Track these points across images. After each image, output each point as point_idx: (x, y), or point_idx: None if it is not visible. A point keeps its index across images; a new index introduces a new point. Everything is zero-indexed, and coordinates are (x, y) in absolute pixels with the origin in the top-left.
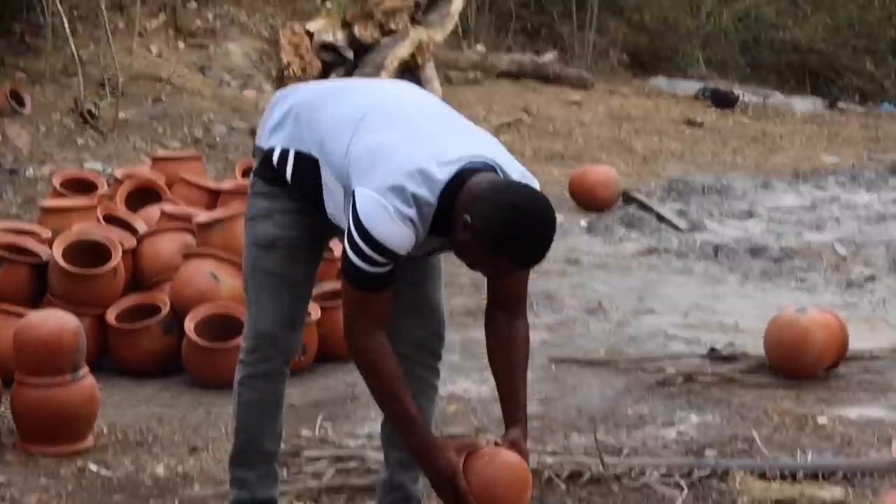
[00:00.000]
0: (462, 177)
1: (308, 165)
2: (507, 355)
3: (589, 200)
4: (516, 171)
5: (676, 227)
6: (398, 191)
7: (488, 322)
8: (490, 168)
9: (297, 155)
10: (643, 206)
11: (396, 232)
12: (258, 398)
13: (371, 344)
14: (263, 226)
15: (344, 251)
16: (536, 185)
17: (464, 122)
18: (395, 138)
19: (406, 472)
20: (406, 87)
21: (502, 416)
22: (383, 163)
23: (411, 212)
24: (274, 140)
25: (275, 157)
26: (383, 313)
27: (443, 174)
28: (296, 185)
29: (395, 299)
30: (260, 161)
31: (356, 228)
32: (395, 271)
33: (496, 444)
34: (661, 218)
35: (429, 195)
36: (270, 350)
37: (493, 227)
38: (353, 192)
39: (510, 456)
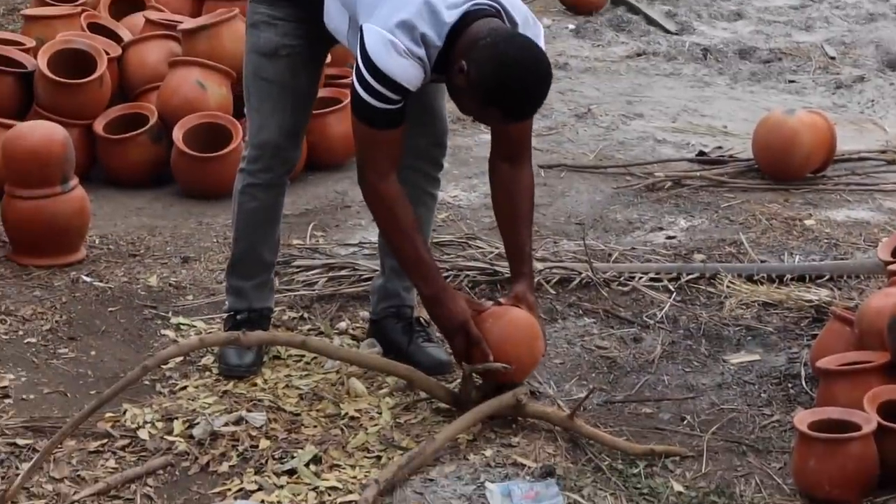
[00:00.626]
0: (466, 19)
1: None
2: (512, 207)
3: (577, 3)
4: (521, 14)
5: (665, 30)
6: (408, 28)
7: (492, 172)
8: (495, 12)
9: None
10: (632, 8)
11: (406, 67)
12: (258, 207)
13: (385, 189)
14: (266, 33)
15: (353, 89)
16: (540, 29)
17: None
18: None
19: (401, 279)
20: None
21: (509, 269)
22: None
23: (420, 51)
24: None
25: None
26: (395, 153)
27: (450, 16)
28: None
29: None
30: None
31: (365, 64)
32: (405, 110)
33: (500, 303)
34: (649, 20)
35: (436, 37)
36: (272, 160)
37: (486, 78)
38: (361, 27)
39: (518, 314)
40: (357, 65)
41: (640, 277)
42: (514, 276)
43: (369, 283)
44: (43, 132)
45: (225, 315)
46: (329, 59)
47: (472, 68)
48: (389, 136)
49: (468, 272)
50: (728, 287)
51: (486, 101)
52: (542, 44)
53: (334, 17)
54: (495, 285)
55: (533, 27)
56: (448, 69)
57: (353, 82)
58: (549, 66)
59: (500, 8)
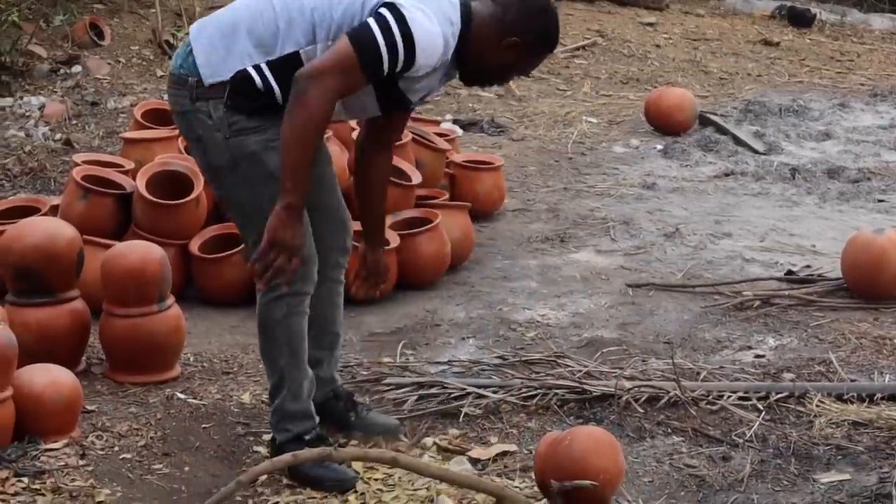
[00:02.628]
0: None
1: (289, 66)
2: (380, 185)
3: (665, 124)
4: None
5: (753, 150)
6: (442, 10)
7: (364, 153)
8: None
9: (272, 64)
10: (719, 129)
11: (435, 37)
12: (304, 321)
13: (325, 101)
14: (272, 156)
15: (365, 22)
16: None
17: None
18: None
19: (332, 367)
20: None
21: (367, 235)
22: None
23: (451, 29)
24: (234, 65)
25: (256, 80)
26: (351, 91)
27: (457, 18)
28: (285, 94)
29: (324, 214)
30: (229, 94)
31: (393, 15)
32: (393, 94)
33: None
34: (737, 140)
35: (458, 19)
36: (314, 271)
37: (543, 34)
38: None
39: (594, 430)
40: (381, 12)
41: (729, 396)
42: (376, 242)
43: (459, 401)
44: (141, 252)
45: (283, 444)
46: (419, 179)
47: (526, 36)
48: (360, 77)
49: (557, 390)
50: (817, 406)
51: (543, 50)
52: None
53: (361, 103)
54: (584, 403)
55: None
56: (479, 58)
57: (369, 21)
58: None
59: None
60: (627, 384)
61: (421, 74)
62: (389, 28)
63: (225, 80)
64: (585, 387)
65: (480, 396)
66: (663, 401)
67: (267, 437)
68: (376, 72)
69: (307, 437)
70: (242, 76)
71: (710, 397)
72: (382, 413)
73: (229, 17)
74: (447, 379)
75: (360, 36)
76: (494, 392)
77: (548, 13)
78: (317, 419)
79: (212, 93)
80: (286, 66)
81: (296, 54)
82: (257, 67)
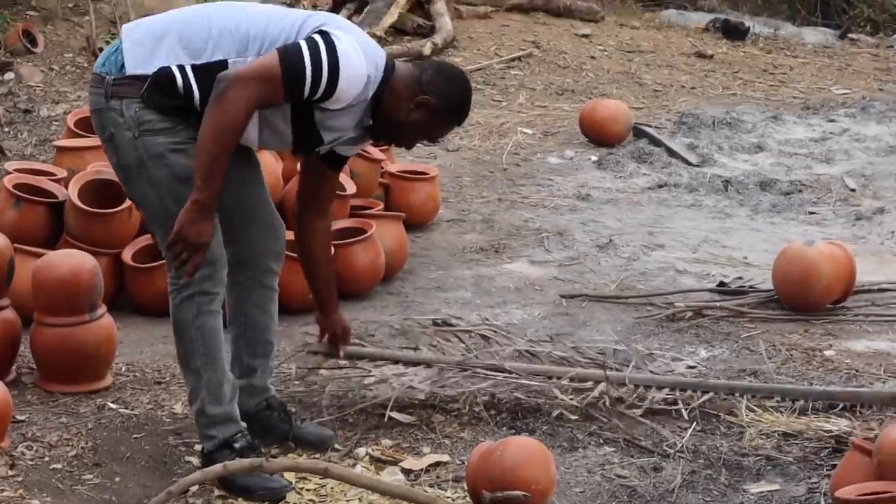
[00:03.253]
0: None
1: (213, 73)
2: (325, 254)
3: (599, 135)
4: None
5: (687, 162)
6: (370, 53)
7: (304, 225)
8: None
9: (197, 67)
10: (653, 141)
11: (359, 75)
12: (218, 322)
13: (244, 105)
14: (178, 158)
15: (296, 42)
16: None
17: None
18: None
19: (266, 375)
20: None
21: (318, 302)
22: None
23: (374, 72)
24: (159, 62)
25: (178, 79)
26: (269, 103)
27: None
28: (203, 101)
29: (251, 217)
30: (148, 88)
31: (324, 41)
32: (308, 128)
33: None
34: (671, 152)
35: (381, 70)
36: (223, 272)
37: (454, 100)
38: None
39: (525, 440)
40: (313, 38)
41: (655, 395)
42: (327, 309)
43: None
44: (73, 261)
45: (212, 452)
46: (354, 189)
47: (434, 97)
48: (276, 95)
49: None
50: (748, 416)
51: (451, 118)
52: None
53: (277, 131)
54: (517, 413)
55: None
56: (390, 112)
57: (301, 41)
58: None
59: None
60: (558, 393)
61: (337, 108)
62: (318, 52)
63: (146, 75)
64: (518, 396)
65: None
66: (591, 395)
67: (199, 447)
68: (296, 90)
69: (236, 445)
70: (165, 74)
71: (636, 396)
72: (315, 424)
73: (162, 20)
74: (378, 386)
75: (288, 51)
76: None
77: (462, 85)
78: (242, 424)
79: (127, 91)
80: (211, 72)
81: (223, 63)
82: (181, 68)
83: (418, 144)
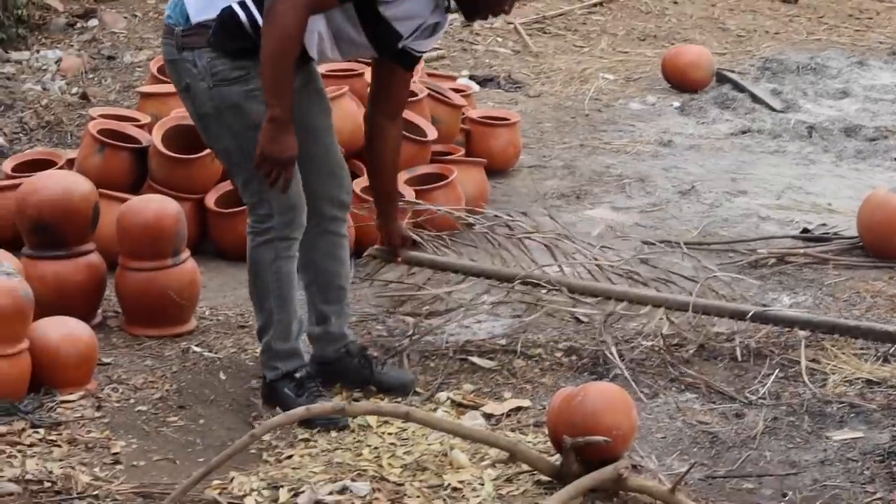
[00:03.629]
0: None
1: None
2: (393, 159)
3: (682, 81)
4: None
5: (770, 107)
6: None
7: (375, 127)
8: None
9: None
10: (737, 86)
11: None
12: (293, 266)
13: (294, 16)
14: (254, 105)
15: None
16: None
17: None
18: None
19: (342, 321)
20: None
21: (378, 207)
22: None
23: None
24: (220, 2)
25: (241, 16)
26: (322, 7)
27: None
28: None
29: (312, 165)
30: (215, 31)
31: None
32: (380, 25)
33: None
34: (754, 98)
35: None
36: (302, 217)
37: None
38: None
39: (607, 386)
40: None
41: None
42: (391, 216)
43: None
44: (156, 206)
45: (274, 381)
46: (435, 135)
47: None
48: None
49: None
50: (832, 363)
51: None
52: None
53: (351, 40)
54: (598, 359)
55: None
56: None
57: None
58: None
59: None
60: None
61: None
62: None
63: (211, 20)
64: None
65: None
66: (685, 348)
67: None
68: None
69: (297, 375)
70: (228, 13)
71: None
72: (396, 368)
73: None
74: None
75: None
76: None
77: None
78: (305, 358)
79: (196, 41)
80: None
81: None
82: (242, 3)
83: (501, 90)
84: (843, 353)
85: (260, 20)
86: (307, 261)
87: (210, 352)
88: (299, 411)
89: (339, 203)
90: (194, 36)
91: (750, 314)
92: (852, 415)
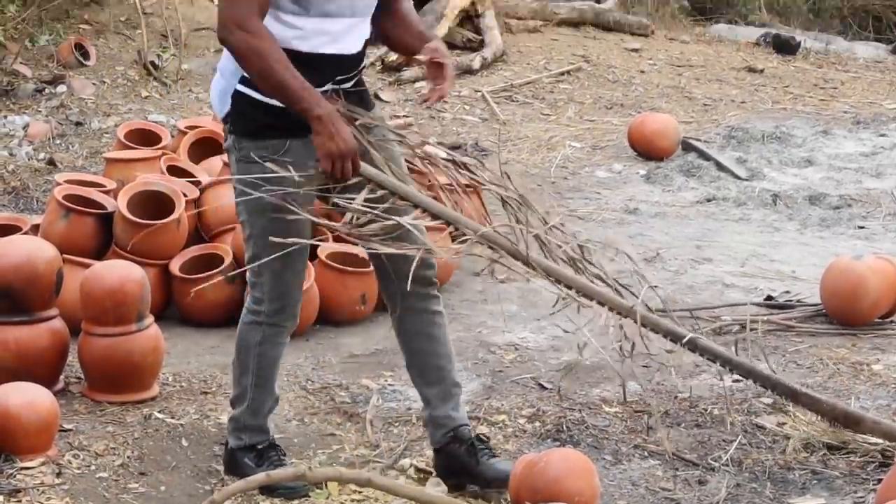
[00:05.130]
0: None
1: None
2: (411, 19)
3: (648, 149)
4: None
5: (736, 176)
6: None
7: (384, 22)
8: None
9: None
10: (702, 155)
11: None
12: (279, 352)
13: (256, 27)
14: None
15: None
16: None
17: None
18: None
19: (445, 402)
20: None
21: (414, 45)
22: None
23: None
24: (229, 87)
25: (249, 92)
26: (263, 5)
27: None
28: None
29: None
30: (231, 116)
31: None
32: None
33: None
34: (720, 166)
35: None
36: (296, 308)
37: None
38: None
39: (567, 451)
40: None
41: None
42: (415, 42)
43: None
44: (120, 272)
45: (235, 450)
46: None
47: None
48: None
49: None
50: (793, 424)
51: None
52: None
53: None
54: (561, 426)
55: None
56: None
57: None
58: None
59: None
60: (609, 409)
61: None
62: None
63: (227, 110)
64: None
65: None
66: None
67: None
68: None
69: (259, 447)
70: (238, 94)
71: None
72: (499, 461)
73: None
74: None
75: None
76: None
77: None
78: (270, 434)
79: (228, 129)
80: None
81: None
82: (244, 81)
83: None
84: (805, 416)
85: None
86: (400, 343)
87: (172, 418)
88: (259, 477)
89: (418, 279)
90: (228, 125)
91: (686, 339)
92: (815, 481)
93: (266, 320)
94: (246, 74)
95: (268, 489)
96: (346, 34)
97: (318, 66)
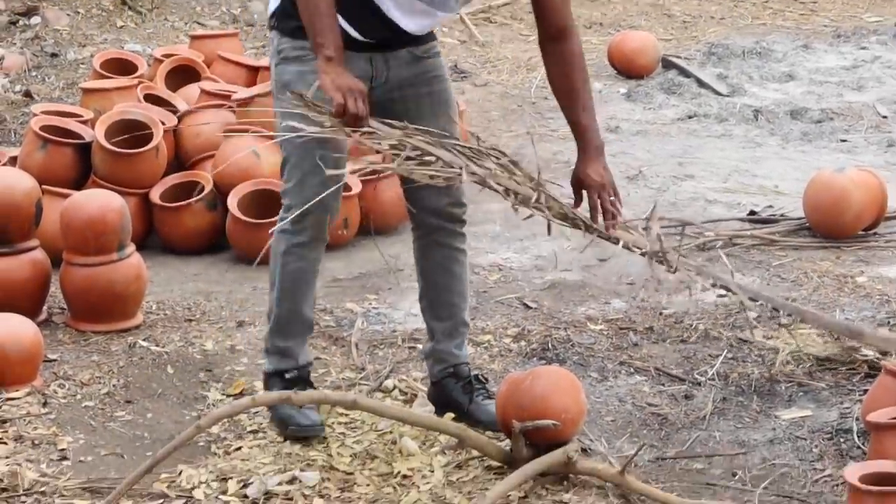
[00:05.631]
0: None
1: None
2: (568, 82)
3: (628, 67)
4: None
5: (716, 92)
6: None
7: (544, 53)
8: None
9: None
10: (683, 72)
11: None
12: (304, 266)
13: None
14: (299, 87)
15: None
16: None
17: None
18: None
19: (450, 339)
20: None
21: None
22: None
23: None
24: None
25: None
26: None
27: None
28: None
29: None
30: (278, 11)
31: None
32: None
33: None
34: (700, 83)
35: None
36: (319, 221)
37: None
38: None
39: (556, 370)
40: None
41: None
42: (579, 152)
43: (419, 343)
44: (100, 201)
45: (268, 374)
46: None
47: None
48: None
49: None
50: (780, 335)
51: None
52: None
53: None
54: (547, 344)
55: None
56: None
57: None
58: None
59: None
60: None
61: None
62: None
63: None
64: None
65: None
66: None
67: (227, 381)
68: None
69: (287, 376)
70: None
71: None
72: (493, 403)
73: None
74: (409, 324)
75: None
76: None
77: None
78: (300, 361)
79: (273, 24)
80: None
81: None
82: None
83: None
84: (792, 331)
85: None
86: (419, 271)
87: (157, 346)
88: (244, 402)
89: (447, 215)
90: (273, 19)
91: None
92: (801, 393)
93: (289, 227)
94: None
95: (281, 426)
96: (411, 9)
97: (369, 18)
